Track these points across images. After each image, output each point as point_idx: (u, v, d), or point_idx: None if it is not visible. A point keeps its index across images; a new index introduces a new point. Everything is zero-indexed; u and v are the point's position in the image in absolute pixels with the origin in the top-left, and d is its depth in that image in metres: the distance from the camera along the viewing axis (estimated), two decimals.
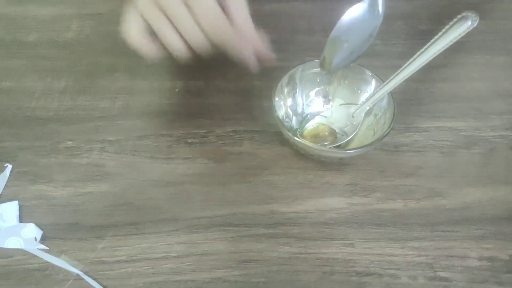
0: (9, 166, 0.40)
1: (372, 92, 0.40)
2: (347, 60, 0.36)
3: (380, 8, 0.34)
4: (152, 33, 0.34)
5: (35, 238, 0.35)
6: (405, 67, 0.37)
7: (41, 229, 0.36)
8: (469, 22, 0.33)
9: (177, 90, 0.46)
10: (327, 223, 0.37)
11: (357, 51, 0.35)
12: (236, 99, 0.46)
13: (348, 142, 0.41)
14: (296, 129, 0.42)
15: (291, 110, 0.43)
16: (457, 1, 0.57)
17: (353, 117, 0.41)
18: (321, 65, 0.37)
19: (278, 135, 0.42)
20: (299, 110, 0.43)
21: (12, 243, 0.35)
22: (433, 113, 0.44)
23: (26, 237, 0.35)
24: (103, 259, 0.35)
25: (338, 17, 0.38)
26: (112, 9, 0.55)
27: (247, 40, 0.34)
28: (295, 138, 0.37)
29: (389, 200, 0.38)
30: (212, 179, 0.39)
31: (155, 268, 0.34)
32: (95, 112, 0.44)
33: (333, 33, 0.35)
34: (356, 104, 0.41)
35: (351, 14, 0.34)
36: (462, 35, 0.34)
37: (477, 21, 0.33)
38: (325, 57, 0.36)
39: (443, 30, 0.35)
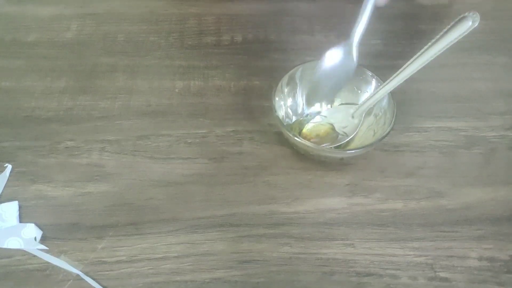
0: (9, 166, 0.40)
1: (372, 92, 0.40)
2: (328, 95, 0.41)
3: (355, 55, 0.38)
4: None
5: (35, 238, 0.35)
6: (405, 67, 0.37)
7: (41, 229, 0.36)
8: (470, 23, 0.33)
9: (177, 90, 0.46)
10: (327, 223, 0.37)
11: (336, 89, 0.41)
12: (236, 99, 0.46)
13: (348, 142, 0.41)
14: (296, 121, 0.42)
15: (291, 110, 0.43)
16: (457, 1, 0.57)
17: (353, 117, 0.41)
18: (307, 103, 0.42)
19: (278, 135, 0.42)
20: (299, 110, 0.43)
21: (12, 243, 0.35)
22: (433, 113, 0.44)
23: (26, 237, 0.35)
24: (103, 259, 0.35)
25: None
26: (112, 9, 0.55)
27: None
28: (295, 138, 0.37)
29: (389, 200, 0.38)
30: (212, 179, 0.39)
31: (155, 268, 0.34)
32: (95, 112, 0.44)
33: (313, 78, 0.40)
34: (356, 104, 0.41)
35: (328, 60, 0.39)
36: (463, 35, 0.34)
37: (478, 21, 0.33)
38: (309, 97, 0.42)
39: (444, 30, 0.34)
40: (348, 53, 0.38)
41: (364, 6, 0.37)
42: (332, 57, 0.39)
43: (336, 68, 0.39)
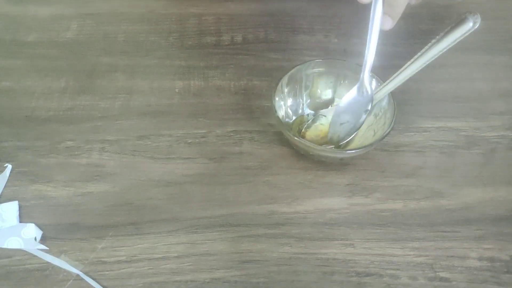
0: (9, 166, 0.40)
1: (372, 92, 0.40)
2: (351, 131, 0.40)
3: (369, 89, 0.38)
4: None
5: (35, 238, 0.35)
6: (406, 67, 0.36)
7: (41, 229, 0.36)
8: (471, 24, 0.33)
9: (177, 90, 0.46)
10: (327, 223, 0.37)
11: (358, 124, 0.39)
12: (236, 99, 0.46)
13: (348, 142, 0.41)
14: (296, 120, 0.42)
15: (291, 110, 0.43)
16: (457, 0, 0.57)
17: None
18: (331, 142, 0.41)
19: (278, 135, 0.42)
20: (299, 110, 0.43)
21: (12, 243, 0.35)
22: (433, 113, 0.44)
23: (26, 237, 0.35)
24: (103, 259, 0.35)
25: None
26: (112, 9, 0.55)
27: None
28: (295, 138, 0.37)
29: (389, 200, 0.38)
30: (212, 179, 0.39)
31: (155, 268, 0.34)
32: (95, 112, 0.44)
33: (332, 119, 0.41)
34: None
35: (345, 99, 0.40)
36: (464, 36, 0.34)
37: (479, 22, 0.33)
38: (331, 137, 0.41)
39: (445, 31, 0.34)
40: (361, 87, 0.38)
41: (370, 36, 0.35)
42: (348, 96, 0.39)
43: (351, 105, 0.39)
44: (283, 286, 0.34)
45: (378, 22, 0.34)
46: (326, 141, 0.41)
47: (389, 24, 0.36)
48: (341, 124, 0.40)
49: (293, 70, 0.41)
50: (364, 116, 0.39)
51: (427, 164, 0.41)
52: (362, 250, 0.35)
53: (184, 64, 0.49)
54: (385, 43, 0.50)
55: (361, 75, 0.38)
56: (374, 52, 0.36)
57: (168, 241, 0.36)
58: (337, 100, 0.43)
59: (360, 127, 0.40)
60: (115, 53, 0.50)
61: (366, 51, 0.36)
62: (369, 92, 0.38)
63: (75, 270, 0.34)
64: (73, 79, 0.47)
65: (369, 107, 0.39)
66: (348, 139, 0.40)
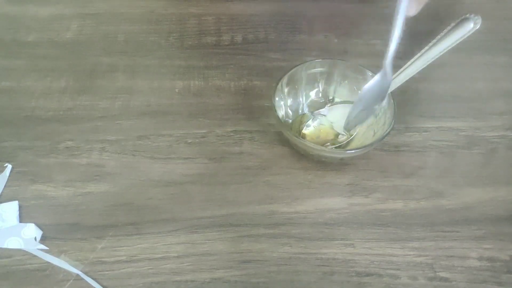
0: (9, 166, 0.40)
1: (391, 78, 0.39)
2: (362, 119, 0.39)
3: (389, 72, 0.36)
4: None
5: (35, 238, 0.35)
6: (406, 68, 0.37)
7: (41, 229, 0.36)
8: (472, 25, 0.33)
9: (177, 90, 0.46)
10: (327, 223, 0.37)
11: (370, 112, 0.39)
12: (236, 99, 0.46)
13: (348, 142, 0.41)
14: (296, 119, 0.42)
15: (291, 110, 0.43)
16: (457, 1, 0.57)
17: None
18: (346, 128, 0.41)
19: (278, 135, 0.42)
20: (299, 110, 0.43)
21: (12, 243, 0.35)
22: (433, 113, 0.44)
23: (26, 237, 0.35)
24: (103, 259, 0.35)
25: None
26: (112, 9, 0.55)
27: None
28: (295, 138, 0.37)
29: (389, 200, 0.38)
30: (212, 179, 0.39)
31: (155, 268, 0.34)
32: (95, 112, 0.44)
33: (354, 103, 0.39)
34: None
35: (370, 83, 0.37)
36: (464, 37, 0.34)
37: (480, 23, 0.33)
38: (349, 122, 0.40)
39: (445, 31, 0.34)
40: (384, 72, 0.36)
41: (395, 21, 0.33)
42: (373, 81, 0.37)
43: (374, 90, 0.38)
44: (283, 286, 0.34)
45: (404, 8, 0.33)
46: (326, 140, 0.41)
47: (414, 10, 0.35)
48: (362, 110, 0.39)
49: (293, 70, 0.41)
50: (381, 103, 0.38)
51: (427, 164, 0.41)
52: (362, 250, 0.35)
53: (184, 64, 0.49)
54: (385, 43, 0.51)
55: (384, 62, 0.35)
56: (398, 39, 0.34)
57: (168, 241, 0.36)
58: (337, 100, 0.43)
59: (372, 114, 0.39)
60: (115, 53, 0.50)
61: (391, 37, 0.34)
62: (389, 79, 0.37)
63: (75, 270, 0.34)
64: (73, 79, 0.47)
65: (386, 94, 0.38)
66: (362, 124, 0.40)
